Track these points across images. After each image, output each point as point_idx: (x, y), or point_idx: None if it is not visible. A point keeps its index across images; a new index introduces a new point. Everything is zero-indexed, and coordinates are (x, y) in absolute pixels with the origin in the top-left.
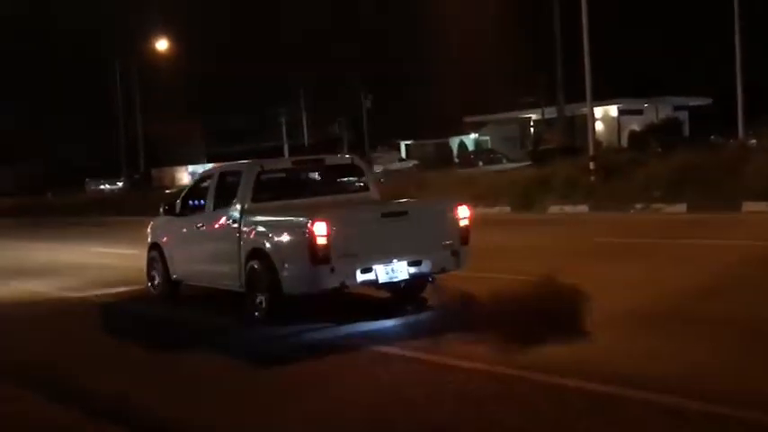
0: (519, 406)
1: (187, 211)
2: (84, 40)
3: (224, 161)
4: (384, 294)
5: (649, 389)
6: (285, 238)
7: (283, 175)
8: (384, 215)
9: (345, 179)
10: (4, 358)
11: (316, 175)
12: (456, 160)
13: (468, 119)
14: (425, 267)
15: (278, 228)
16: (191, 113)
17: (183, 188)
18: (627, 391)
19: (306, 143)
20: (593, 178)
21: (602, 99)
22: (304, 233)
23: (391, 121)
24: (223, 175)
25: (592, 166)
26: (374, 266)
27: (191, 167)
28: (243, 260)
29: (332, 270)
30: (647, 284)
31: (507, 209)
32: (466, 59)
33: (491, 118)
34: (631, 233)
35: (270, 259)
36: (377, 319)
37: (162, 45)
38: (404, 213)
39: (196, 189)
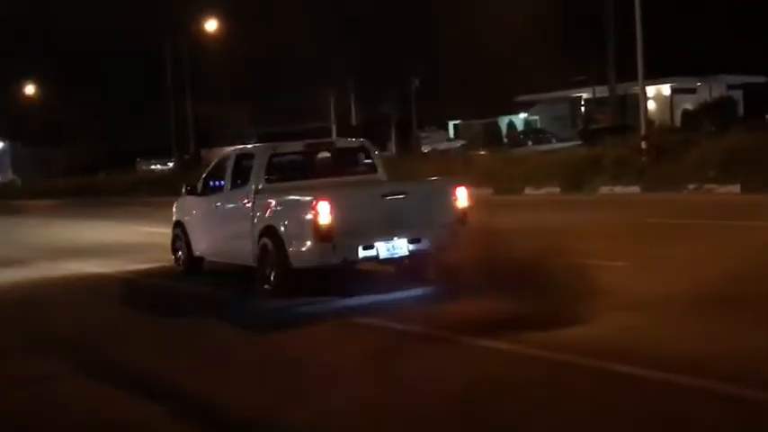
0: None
1: (207, 191)
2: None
3: (273, 141)
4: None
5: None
6: (292, 216)
7: (295, 157)
8: (384, 195)
9: (355, 161)
10: (55, 334)
11: (327, 157)
12: (505, 140)
13: (517, 98)
14: (424, 245)
15: (286, 206)
16: (241, 93)
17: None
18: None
19: (353, 123)
20: (644, 158)
21: (655, 78)
22: (309, 211)
23: (440, 101)
24: (239, 157)
25: (644, 145)
26: (375, 243)
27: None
28: (256, 237)
29: (334, 247)
30: (702, 266)
31: (556, 190)
32: (515, 38)
33: (541, 97)
34: (684, 214)
35: (279, 236)
36: (377, 293)
37: (211, 26)
38: (404, 193)
39: (216, 170)
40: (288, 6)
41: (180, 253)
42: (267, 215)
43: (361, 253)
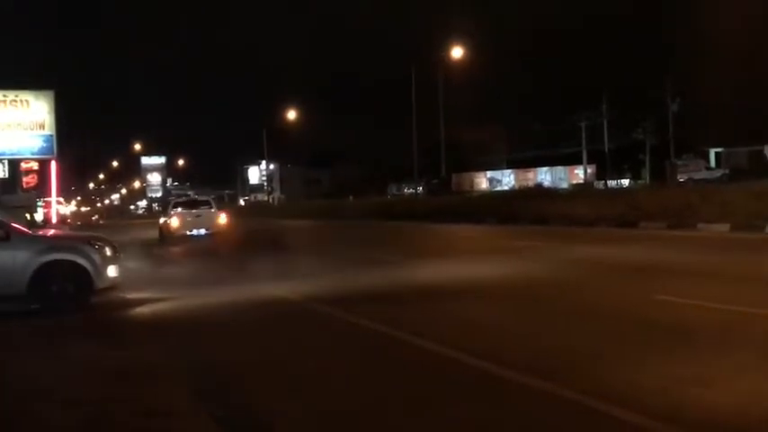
0: None
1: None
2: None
3: (522, 167)
4: None
5: None
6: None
7: (184, 200)
8: (196, 215)
9: (205, 203)
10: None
11: (194, 201)
12: None
13: None
14: (209, 231)
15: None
16: (493, 119)
17: (480, 193)
18: None
19: (606, 148)
20: None
21: None
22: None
23: (701, 126)
24: (170, 201)
25: None
26: (194, 230)
27: (489, 173)
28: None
29: (181, 230)
30: None
31: None
32: None
33: None
34: None
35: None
36: None
37: (457, 53)
38: (201, 215)
39: (166, 205)
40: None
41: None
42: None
43: (191, 232)
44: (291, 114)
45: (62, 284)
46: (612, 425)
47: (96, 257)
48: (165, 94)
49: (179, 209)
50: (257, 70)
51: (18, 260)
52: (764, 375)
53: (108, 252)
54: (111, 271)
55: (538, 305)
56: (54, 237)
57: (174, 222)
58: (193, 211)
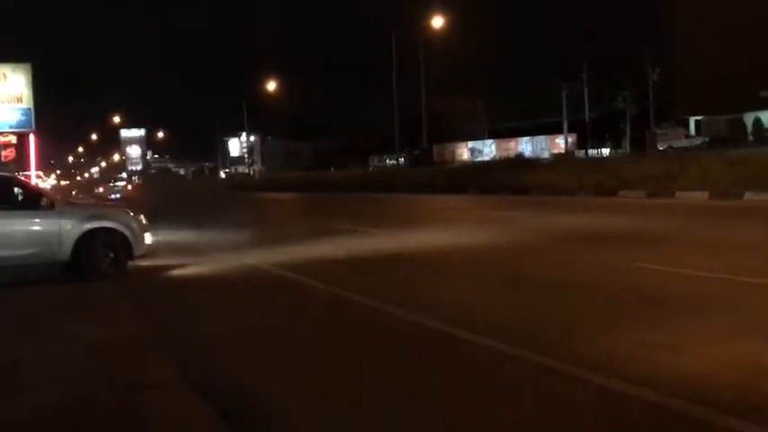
0: None
1: None
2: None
3: (503, 137)
4: None
5: None
6: None
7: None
8: (114, 186)
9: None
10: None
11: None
12: (750, 138)
13: (763, 93)
14: (119, 195)
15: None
16: (474, 89)
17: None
18: None
19: (587, 118)
20: None
21: None
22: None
23: (681, 96)
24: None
25: None
26: (114, 194)
27: (470, 144)
28: None
29: (106, 194)
30: None
31: None
32: (763, 27)
33: None
34: None
35: None
36: None
37: (437, 22)
38: (118, 186)
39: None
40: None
41: None
42: None
43: (111, 195)
44: (272, 86)
45: (104, 251)
46: (584, 388)
47: (135, 225)
48: (144, 67)
49: (109, 183)
50: (239, 42)
51: (63, 228)
52: (740, 341)
53: (143, 220)
54: (147, 238)
55: (513, 274)
56: (95, 205)
57: (102, 190)
58: (115, 184)
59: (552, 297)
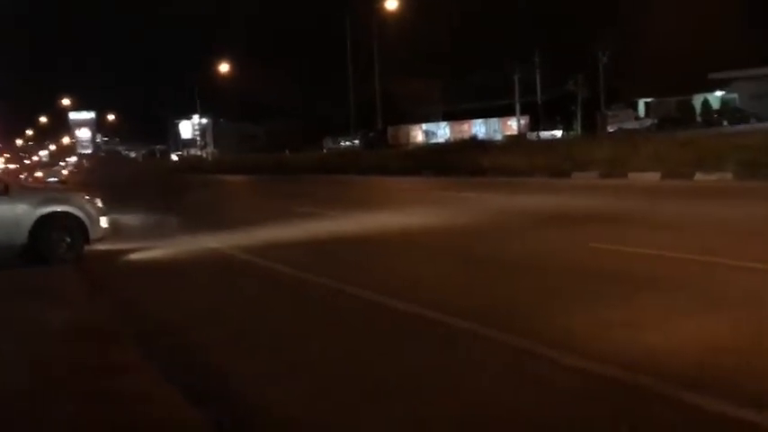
0: None
1: None
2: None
3: (458, 119)
4: None
5: None
6: None
7: (51, 162)
8: (53, 170)
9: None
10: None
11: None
12: (698, 119)
13: (712, 75)
14: (58, 179)
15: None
16: (430, 71)
17: (417, 145)
18: None
19: (539, 100)
20: None
21: None
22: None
23: (630, 78)
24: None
25: None
26: (50, 178)
27: (425, 126)
28: None
29: (45, 178)
30: None
31: (729, 176)
32: (715, 8)
33: (739, 74)
34: None
35: None
36: None
37: (392, 4)
38: (55, 171)
39: None
40: None
41: None
42: None
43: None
44: (224, 68)
45: (60, 235)
46: (547, 365)
47: (90, 209)
48: (95, 49)
49: (48, 168)
50: (189, 24)
51: (18, 213)
52: (695, 317)
53: (99, 204)
54: (103, 222)
55: (470, 255)
56: (50, 189)
57: (41, 174)
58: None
59: (510, 276)
